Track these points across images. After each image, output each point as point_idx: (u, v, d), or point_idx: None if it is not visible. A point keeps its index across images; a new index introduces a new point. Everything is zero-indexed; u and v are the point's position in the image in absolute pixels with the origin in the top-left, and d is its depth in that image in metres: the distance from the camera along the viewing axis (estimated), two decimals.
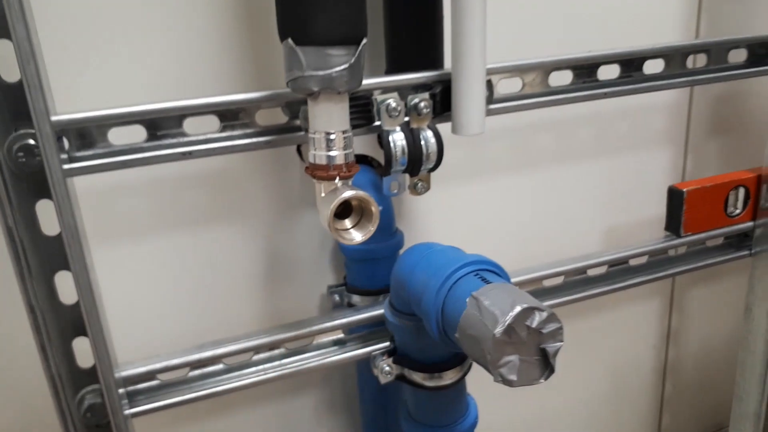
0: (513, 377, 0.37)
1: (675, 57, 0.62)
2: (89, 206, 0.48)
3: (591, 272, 0.65)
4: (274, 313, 0.64)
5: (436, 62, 0.54)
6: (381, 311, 0.55)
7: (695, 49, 0.63)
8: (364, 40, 0.40)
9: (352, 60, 0.40)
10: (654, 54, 0.61)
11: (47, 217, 0.43)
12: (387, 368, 0.51)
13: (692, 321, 0.91)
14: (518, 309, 0.36)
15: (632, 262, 0.67)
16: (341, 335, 0.57)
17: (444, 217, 0.67)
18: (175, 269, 0.58)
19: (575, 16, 0.67)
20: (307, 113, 0.47)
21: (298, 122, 0.49)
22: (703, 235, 0.68)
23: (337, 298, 0.64)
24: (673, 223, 0.68)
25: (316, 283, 0.65)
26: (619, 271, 0.67)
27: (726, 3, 0.73)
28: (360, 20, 0.40)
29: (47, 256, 0.43)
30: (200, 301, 0.60)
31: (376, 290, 0.60)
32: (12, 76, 0.40)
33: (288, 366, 0.54)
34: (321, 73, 0.39)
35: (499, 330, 0.36)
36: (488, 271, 0.42)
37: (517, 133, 0.69)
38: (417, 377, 0.50)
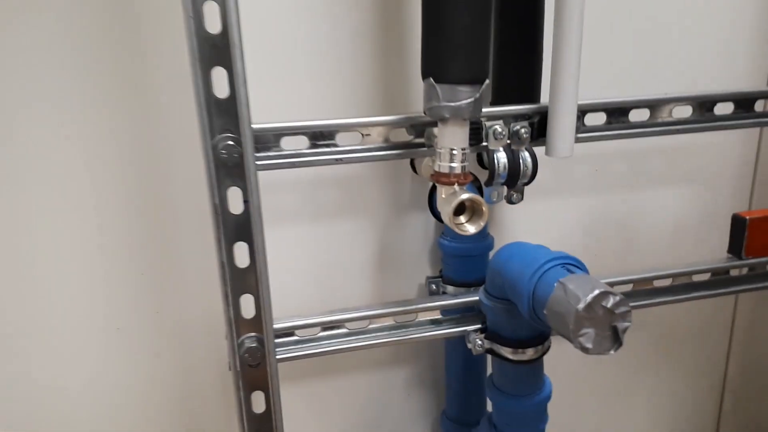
0: (589, 345, 0.48)
1: (744, 102, 0.71)
2: None
3: (657, 283, 0.74)
4: (381, 295, 0.77)
5: (534, 96, 0.66)
6: (474, 298, 0.67)
7: (763, 95, 0.72)
8: (487, 81, 0.53)
9: (477, 95, 0.52)
10: (725, 98, 0.70)
11: (234, 199, 0.57)
12: (479, 342, 0.62)
13: (753, 341, 0.97)
14: (597, 291, 0.48)
15: (695, 278, 0.76)
16: (438, 316, 0.69)
17: (528, 226, 0.79)
18: (310, 251, 0.73)
19: (652, 56, 0.77)
20: (432, 133, 0.60)
21: (420, 140, 0.62)
22: (763, 259, 0.76)
23: (433, 287, 0.76)
24: (735, 247, 0.76)
25: (416, 274, 0.78)
26: (682, 285, 0.76)
27: None
28: (484, 66, 0.52)
29: (233, 229, 0.58)
30: (327, 278, 0.74)
31: (468, 282, 0.72)
32: (222, 93, 0.55)
33: (396, 335, 0.67)
34: (452, 104, 0.52)
35: (581, 306, 0.47)
36: (572, 264, 0.53)
37: (597, 159, 0.79)
38: (504, 351, 0.61)
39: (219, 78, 0.53)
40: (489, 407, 0.74)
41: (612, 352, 0.49)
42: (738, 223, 0.76)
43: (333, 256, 0.75)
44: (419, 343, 0.81)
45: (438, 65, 0.52)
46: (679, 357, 0.95)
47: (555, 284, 0.50)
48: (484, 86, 0.53)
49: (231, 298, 0.59)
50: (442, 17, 0.50)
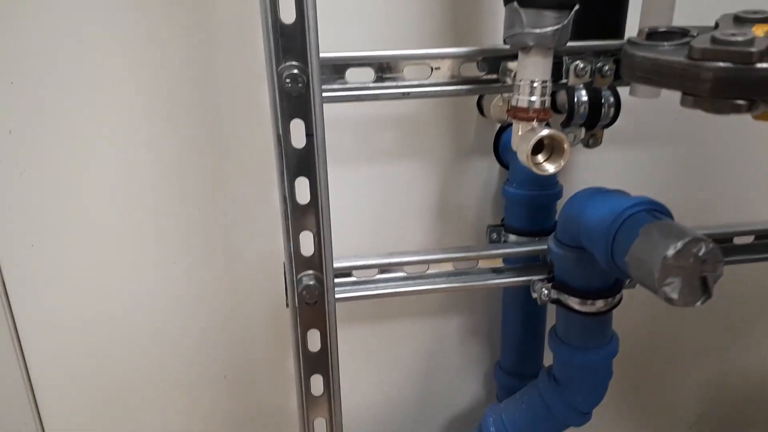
0: (675, 296, 0.45)
1: None
2: None
3: (737, 240, 0.69)
4: (440, 242, 0.74)
5: (619, 31, 0.60)
6: (540, 246, 0.64)
7: None
8: (576, 6, 0.48)
9: (565, 22, 0.48)
10: None
11: (297, 132, 0.55)
12: (546, 292, 0.59)
13: None
14: (687, 238, 0.44)
15: None
16: (500, 265, 0.66)
17: (603, 175, 0.74)
18: (370, 192, 0.70)
19: None
20: (506, 68, 0.56)
21: (492, 76, 0.58)
22: None
23: (494, 235, 0.73)
24: None
25: (478, 221, 0.75)
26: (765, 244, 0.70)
27: None
28: None
29: (295, 163, 0.56)
30: (383, 222, 0.72)
31: (532, 232, 0.69)
32: (288, 17, 0.52)
33: (455, 281, 0.64)
34: (537, 30, 0.48)
35: (671, 252, 0.43)
36: (657, 211, 0.49)
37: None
38: (572, 302, 0.58)
39: (286, 2, 0.50)
40: (546, 361, 0.72)
41: (699, 303, 0.45)
42: None
43: (392, 199, 0.72)
44: (476, 293, 0.79)
45: None
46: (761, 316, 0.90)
47: (640, 230, 0.47)
48: (572, 12, 0.48)
49: (291, 235, 0.57)
50: None
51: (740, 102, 0.33)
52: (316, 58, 0.51)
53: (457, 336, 0.81)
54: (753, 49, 0.31)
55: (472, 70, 0.58)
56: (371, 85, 0.57)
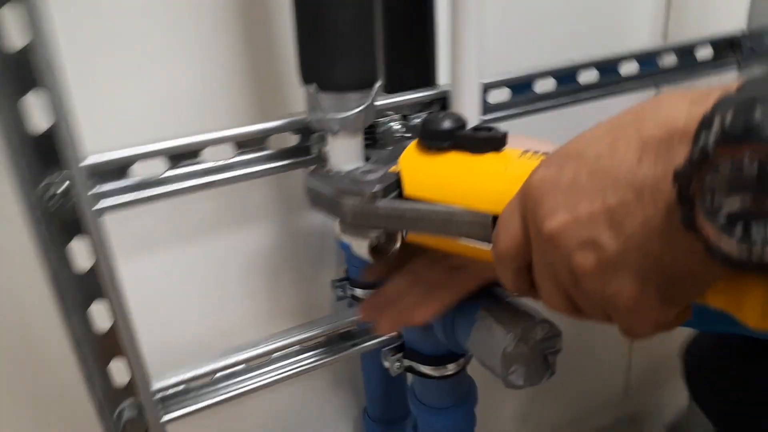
0: (520, 383, 0.43)
1: (646, 58, 0.66)
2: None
3: None
4: (284, 307, 0.68)
5: (429, 81, 0.57)
6: None
7: (665, 50, 0.68)
8: (378, 83, 0.43)
9: (368, 102, 0.43)
10: (628, 56, 0.65)
11: (81, 252, 0.45)
12: (398, 363, 0.57)
13: None
14: (524, 325, 0.42)
15: None
16: (352, 328, 0.62)
17: None
18: (194, 274, 0.62)
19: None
20: (319, 139, 0.50)
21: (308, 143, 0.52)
22: None
23: (340, 292, 0.68)
24: None
25: (320, 277, 0.70)
26: None
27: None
28: (373, 67, 0.42)
29: (83, 289, 0.46)
30: (216, 301, 0.64)
31: (376, 284, 0.65)
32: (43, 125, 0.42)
33: (304, 362, 0.59)
34: (340, 115, 0.42)
35: (510, 346, 0.42)
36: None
37: None
38: (424, 369, 0.56)
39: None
40: None
41: (545, 381, 0.45)
42: None
43: (221, 275, 0.64)
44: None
45: (319, 70, 0.41)
46: None
47: (475, 315, 0.44)
48: (375, 90, 0.43)
49: (90, 370, 0.48)
50: (321, 13, 0.39)
51: (373, 231, 0.40)
52: (78, 169, 0.42)
53: (322, 389, 0.76)
54: (375, 189, 0.37)
55: (283, 141, 0.52)
56: (166, 175, 0.48)
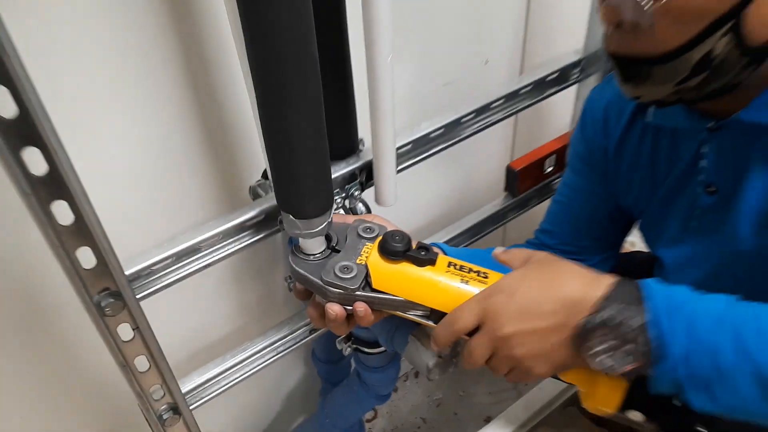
0: (436, 377, 0.70)
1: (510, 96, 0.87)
2: None
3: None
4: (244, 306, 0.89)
5: (354, 149, 0.75)
6: None
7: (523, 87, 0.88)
8: (333, 206, 0.62)
9: (329, 220, 0.62)
10: (497, 99, 0.85)
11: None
12: (348, 348, 0.82)
13: None
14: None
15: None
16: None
17: None
18: None
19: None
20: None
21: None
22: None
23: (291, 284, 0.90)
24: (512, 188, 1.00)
25: (278, 275, 0.90)
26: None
27: None
28: (330, 197, 0.61)
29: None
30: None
31: None
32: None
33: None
34: (308, 231, 0.61)
35: (430, 364, 0.67)
36: None
37: None
38: (366, 350, 0.82)
39: None
40: None
41: (452, 369, 0.71)
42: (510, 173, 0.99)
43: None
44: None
45: (294, 205, 0.59)
46: None
47: (409, 336, 0.69)
48: (331, 211, 0.62)
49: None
50: (292, 168, 0.56)
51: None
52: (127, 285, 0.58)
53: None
54: (354, 285, 0.57)
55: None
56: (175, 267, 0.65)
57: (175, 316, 0.83)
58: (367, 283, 0.59)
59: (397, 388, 1.30)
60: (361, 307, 0.58)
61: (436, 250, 0.59)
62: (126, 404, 0.79)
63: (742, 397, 0.46)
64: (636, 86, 0.57)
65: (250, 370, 0.80)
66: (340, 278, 0.58)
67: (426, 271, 0.58)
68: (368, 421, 1.25)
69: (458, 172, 1.07)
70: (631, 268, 0.81)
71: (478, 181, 1.11)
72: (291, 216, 0.60)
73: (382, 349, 0.81)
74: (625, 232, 0.81)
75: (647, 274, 0.76)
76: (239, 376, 0.80)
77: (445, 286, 0.56)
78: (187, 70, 0.67)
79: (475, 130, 0.85)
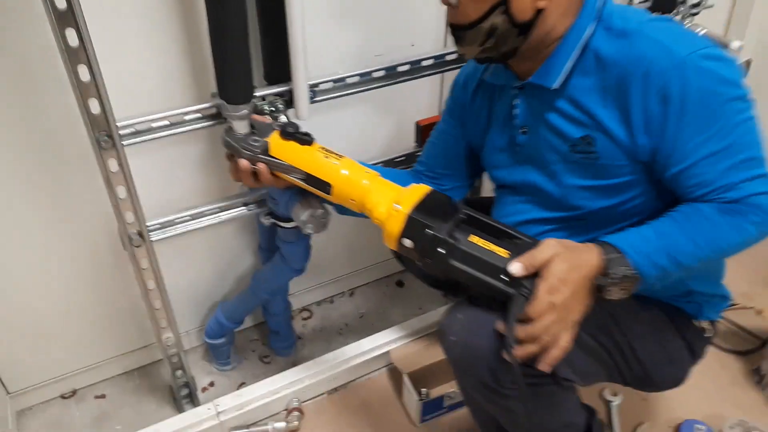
0: (310, 232, 1.03)
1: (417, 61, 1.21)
2: None
3: None
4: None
5: (287, 75, 1.10)
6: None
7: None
8: (253, 100, 0.98)
9: (248, 110, 0.97)
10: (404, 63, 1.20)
11: None
12: (267, 221, 1.17)
13: None
14: (310, 210, 1.02)
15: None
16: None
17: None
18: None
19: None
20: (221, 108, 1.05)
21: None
22: None
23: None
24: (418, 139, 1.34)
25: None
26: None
27: None
28: (249, 92, 0.97)
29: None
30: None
31: None
32: None
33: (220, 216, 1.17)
34: (234, 114, 0.97)
35: (303, 217, 1.01)
36: None
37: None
38: (281, 224, 1.16)
39: None
40: None
41: (322, 231, 1.05)
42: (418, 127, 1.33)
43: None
44: None
45: (226, 93, 0.96)
46: None
47: (296, 200, 1.03)
48: (251, 102, 0.98)
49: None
50: (226, 63, 0.93)
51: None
52: None
53: (235, 234, 1.37)
54: (258, 151, 0.94)
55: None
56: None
57: (157, 182, 1.19)
58: (267, 152, 0.93)
59: (333, 300, 1.64)
60: (261, 165, 0.93)
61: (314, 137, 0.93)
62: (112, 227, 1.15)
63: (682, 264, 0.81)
64: (460, 46, 0.90)
65: (199, 221, 1.16)
66: (251, 144, 0.93)
67: (305, 148, 0.92)
68: (304, 319, 1.59)
69: (383, 123, 1.40)
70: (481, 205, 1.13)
71: (398, 132, 1.44)
72: (224, 102, 0.96)
73: (294, 224, 1.15)
74: (476, 168, 1.12)
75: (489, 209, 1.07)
76: (192, 225, 1.15)
77: (313, 157, 0.90)
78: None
79: (382, 84, 1.20)
